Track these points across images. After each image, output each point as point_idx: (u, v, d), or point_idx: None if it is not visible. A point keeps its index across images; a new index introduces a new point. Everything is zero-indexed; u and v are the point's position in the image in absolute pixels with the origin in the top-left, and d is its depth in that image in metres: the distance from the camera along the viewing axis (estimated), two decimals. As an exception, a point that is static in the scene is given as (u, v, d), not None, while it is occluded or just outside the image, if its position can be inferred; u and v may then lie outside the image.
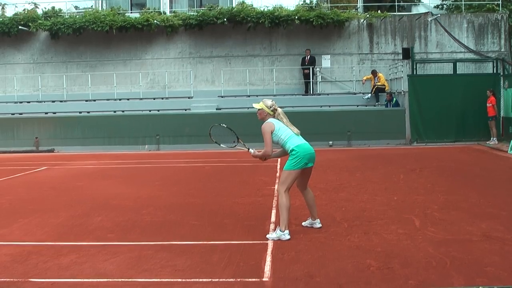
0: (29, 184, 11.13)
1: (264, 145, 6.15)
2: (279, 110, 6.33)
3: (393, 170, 12.02)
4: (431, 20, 21.40)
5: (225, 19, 20.95)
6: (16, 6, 22.95)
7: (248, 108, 20.10)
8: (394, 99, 19.69)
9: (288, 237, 5.99)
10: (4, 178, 12.07)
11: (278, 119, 6.27)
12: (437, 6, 23.53)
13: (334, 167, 12.78)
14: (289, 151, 6.13)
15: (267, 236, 6.09)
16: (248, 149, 6.45)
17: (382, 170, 12.02)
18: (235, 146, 6.76)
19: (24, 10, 22.45)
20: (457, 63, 19.40)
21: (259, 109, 6.35)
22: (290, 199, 6.17)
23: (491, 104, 17.69)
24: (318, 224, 6.55)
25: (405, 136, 18.99)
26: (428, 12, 21.99)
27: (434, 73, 19.45)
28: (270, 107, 6.28)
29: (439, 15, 21.71)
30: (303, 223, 6.67)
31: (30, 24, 21.43)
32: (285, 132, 6.16)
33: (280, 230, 6.02)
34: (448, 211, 7.34)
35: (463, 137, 18.39)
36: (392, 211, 7.48)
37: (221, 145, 6.84)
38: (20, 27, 21.57)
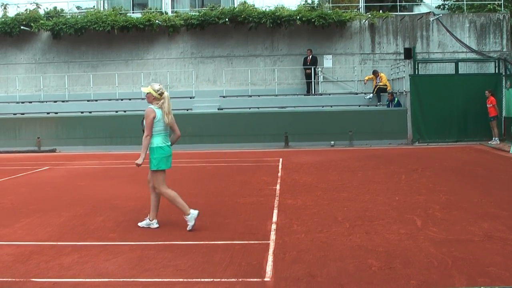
0: (31, 184, 11.13)
1: (145, 129, 6.50)
2: (166, 93, 6.65)
3: (395, 170, 12.01)
4: (433, 20, 21.38)
5: (226, 19, 20.96)
6: (18, 6, 22.95)
7: (250, 108, 20.18)
8: (396, 99, 19.67)
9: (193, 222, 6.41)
10: (6, 178, 12.08)
11: (162, 104, 6.55)
12: (439, 6, 23.48)
13: (336, 167, 12.78)
14: (150, 147, 6.53)
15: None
16: None
17: (384, 170, 12.01)
18: None
19: (26, 10, 22.46)
20: (459, 63, 19.34)
21: (147, 93, 6.63)
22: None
23: (491, 105, 17.66)
24: (155, 225, 6.68)
25: (406, 136, 18.96)
26: (430, 12, 21.96)
27: (436, 73, 19.38)
28: (158, 90, 6.59)
29: (441, 15, 21.68)
30: (139, 224, 6.77)
31: (32, 24, 21.46)
32: (158, 127, 6.51)
33: (188, 216, 6.40)
34: (450, 211, 7.34)
35: (465, 137, 18.35)
36: (393, 211, 7.47)
37: None
38: (22, 27, 21.60)
